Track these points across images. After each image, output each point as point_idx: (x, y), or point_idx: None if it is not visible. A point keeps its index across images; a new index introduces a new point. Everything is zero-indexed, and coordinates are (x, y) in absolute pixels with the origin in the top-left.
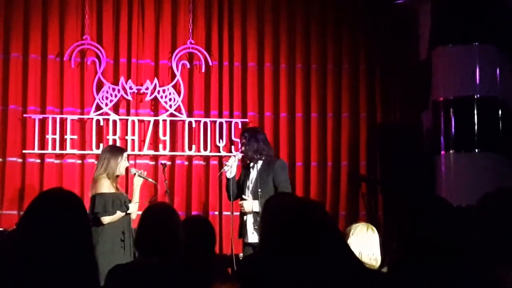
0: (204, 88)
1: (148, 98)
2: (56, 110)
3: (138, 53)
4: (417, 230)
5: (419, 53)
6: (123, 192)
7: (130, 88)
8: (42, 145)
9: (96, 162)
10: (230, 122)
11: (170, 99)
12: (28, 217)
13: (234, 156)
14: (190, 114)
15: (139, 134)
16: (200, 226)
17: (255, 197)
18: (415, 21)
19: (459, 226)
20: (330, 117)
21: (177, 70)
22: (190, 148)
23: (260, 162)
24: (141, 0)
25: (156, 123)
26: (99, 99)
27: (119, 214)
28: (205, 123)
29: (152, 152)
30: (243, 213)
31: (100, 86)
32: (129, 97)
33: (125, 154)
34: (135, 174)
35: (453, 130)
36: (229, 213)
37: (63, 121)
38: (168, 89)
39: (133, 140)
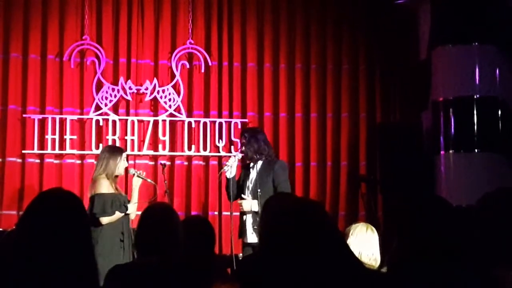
0: (203, 88)
1: (147, 98)
2: (56, 110)
3: (138, 53)
4: (417, 230)
5: (419, 53)
6: (122, 192)
7: (130, 88)
8: (42, 145)
9: (95, 162)
10: (230, 122)
11: (169, 99)
12: (27, 217)
13: (234, 156)
14: (189, 114)
15: (138, 134)
16: (199, 226)
17: (254, 197)
18: (415, 21)
19: (459, 226)
20: (329, 117)
21: (177, 70)
22: (189, 148)
23: (260, 162)
24: (140, 0)
25: (156, 123)
26: (98, 99)
27: (118, 214)
28: (205, 123)
29: (151, 152)
30: (242, 213)
31: (99, 86)
32: (129, 97)
33: (124, 154)
34: (134, 174)
35: (452, 130)
36: (228, 213)
37: (62, 121)
38: (167, 89)
39: (132, 140)
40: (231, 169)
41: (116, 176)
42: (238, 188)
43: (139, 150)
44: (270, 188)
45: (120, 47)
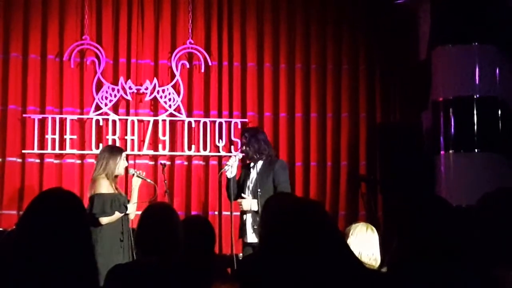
0: (203, 88)
1: (147, 98)
2: (56, 110)
3: (138, 53)
4: (417, 230)
5: (419, 53)
6: (122, 192)
7: (130, 88)
8: (42, 145)
9: (95, 162)
10: (230, 122)
11: (169, 99)
12: (27, 217)
13: (235, 156)
14: (189, 114)
15: (138, 134)
16: (199, 226)
17: (254, 197)
18: (415, 21)
19: (459, 226)
20: (329, 117)
21: (177, 70)
22: (189, 148)
23: (260, 162)
24: (140, 0)
25: (156, 123)
26: (98, 99)
27: (117, 215)
28: (205, 123)
29: (151, 152)
30: (243, 213)
31: (99, 86)
32: (129, 97)
33: (123, 154)
34: (133, 174)
35: (452, 130)
36: (228, 213)
37: (62, 121)
38: (167, 89)
39: (132, 140)
40: (231, 169)
41: (116, 176)
42: (238, 187)
43: (139, 150)
44: (270, 188)
45: (120, 47)
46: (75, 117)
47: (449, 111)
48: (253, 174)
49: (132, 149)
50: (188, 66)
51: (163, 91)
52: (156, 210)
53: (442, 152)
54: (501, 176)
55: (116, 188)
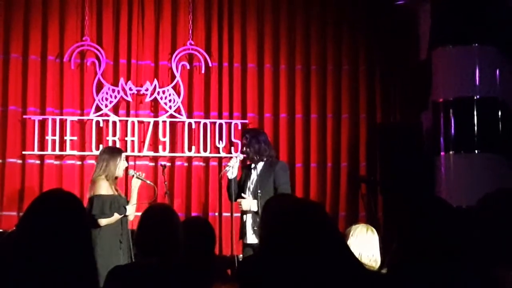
0: (204, 89)
1: (148, 99)
2: (56, 111)
3: (138, 54)
4: (417, 231)
5: (419, 53)
6: (122, 194)
7: (130, 89)
8: (42, 146)
9: (95, 163)
10: (230, 123)
11: (170, 100)
12: (28, 218)
13: (236, 157)
14: (190, 115)
15: (138, 135)
16: (200, 227)
17: (255, 198)
18: (415, 22)
19: (459, 227)
20: (330, 118)
21: (177, 71)
22: (190, 149)
23: (261, 163)
24: (141, 1)
25: (156, 124)
26: (98, 100)
27: (116, 216)
28: (205, 124)
29: (152, 153)
30: (243, 213)
31: (100, 87)
32: (129, 98)
33: (123, 155)
34: (133, 175)
35: (453, 131)
36: (229, 214)
37: (62, 122)
38: (168, 90)
39: (132, 141)
40: (232, 170)
41: (116, 178)
42: (239, 188)
43: (139, 151)
44: (270, 189)
45: (121, 48)
46: (76, 118)
47: (449, 112)
48: (254, 175)
49: (132, 150)
50: (188, 67)
51: (164, 92)
52: (156, 211)
53: (442, 153)
54: (501, 176)
55: (116, 190)
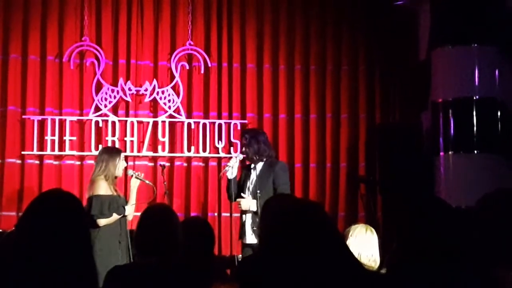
0: (203, 89)
1: (147, 99)
2: (55, 111)
3: (137, 54)
4: (416, 231)
5: (419, 54)
6: (121, 194)
7: (129, 89)
8: (41, 147)
9: (94, 163)
10: (229, 123)
11: (169, 100)
12: (27, 218)
13: (235, 157)
14: (189, 115)
15: (138, 136)
16: (199, 227)
17: (254, 198)
18: (414, 22)
19: (459, 227)
20: (329, 118)
21: (176, 71)
22: (189, 149)
23: (260, 164)
24: (140, 2)
25: (155, 124)
26: (98, 100)
27: (115, 216)
28: (204, 124)
29: (151, 154)
30: (242, 213)
31: (99, 87)
32: (128, 98)
33: (122, 155)
34: (132, 176)
35: (452, 131)
36: (228, 214)
37: (62, 122)
38: (167, 90)
39: (132, 141)
40: (232, 170)
41: (115, 178)
42: (238, 188)
43: (139, 151)
44: (270, 189)
45: (120, 48)
46: (75, 118)
47: (448, 112)
48: (253, 176)
49: (132, 151)
50: (187, 67)
51: (163, 92)
52: (155, 211)
53: (441, 153)
54: (501, 177)
55: (115, 190)
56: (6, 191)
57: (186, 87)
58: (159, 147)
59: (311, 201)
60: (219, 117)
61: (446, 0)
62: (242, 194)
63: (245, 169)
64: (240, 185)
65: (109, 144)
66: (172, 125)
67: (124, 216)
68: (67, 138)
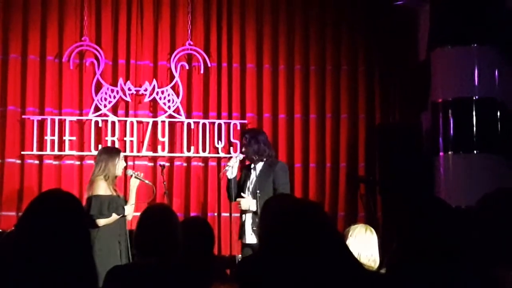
0: (203, 90)
1: (146, 99)
2: (55, 111)
3: (137, 54)
4: (416, 231)
5: (418, 54)
6: (120, 194)
7: (129, 89)
8: (41, 147)
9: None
10: (229, 123)
11: (168, 100)
12: (27, 218)
13: (236, 157)
14: (188, 115)
15: (137, 136)
16: (198, 227)
17: (254, 198)
18: (414, 22)
19: (458, 227)
20: (329, 118)
21: (176, 71)
22: (188, 149)
23: (261, 164)
24: (140, 2)
25: (155, 124)
26: (97, 100)
27: (114, 216)
28: (204, 124)
29: (150, 154)
30: (242, 213)
31: (98, 87)
32: (128, 98)
33: (121, 155)
34: (131, 175)
35: (452, 131)
36: (227, 214)
37: (61, 122)
38: (166, 90)
39: (131, 141)
40: (232, 170)
41: (115, 177)
42: (238, 188)
43: (138, 151)
44: (270, 189)
45: (119, 48)
46: (74, 118)
47: (448, 112)
48: (253, 175)
49: (131, 151)
50: (187, 67)
51: (162, 92)
52: (155, 211)
53: (441, 153)
54: (500, 177)
55: (115, 190)
56: (5, 191)
57: (186, 87)
58: (159, 147)
59: (311, 201)
60: (219, 117)
61: (446, 0)
62: (242, 194)
63: (245, 169)
64: (240, 185)
65: (109, 144)
66: (171, 125)
67: (124, 216)
68: (66, 138)
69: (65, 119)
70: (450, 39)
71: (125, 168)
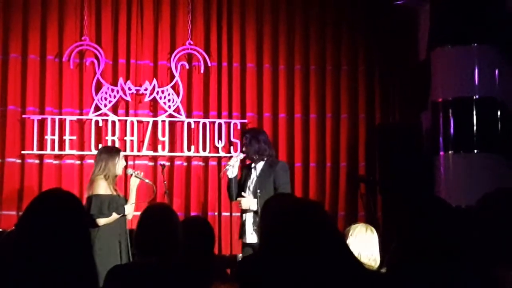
0: (203, 89)
1: (147, 99)
2: (55, 111)
3: (137, 53)
4: (416, 230)
5: (418, 54)
6: (121, 193)
7: (129, 89)
8: (41, 146)
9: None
10: (229, 123)
11: (169, 100)
12: (27, 217)
13: (236, 156)
14: (189, 115)
15: (138, 135)
16: (199, 226)
17: (255, 197)
18: (414, 22)
19: (459, 227)
20: (329, 118)
21: (176, 71)
22: (189, 149)
23: (261, 163)
24: (140, 1)
25: (155, 124)
26: (98, 100)
27: (114, 216)
28: (204, 124)
29: (151, 153)
30: (243, 213)
31: (99, 87)
32: (128, 98)
33: (121, 154)
34: (131, 175)
35: (452, 130)
36: (228, 213)
37: (62, 122)
38: (167, 89)
39: (132, 141)
40: (232, 169)
41: (115, 177)
42: (239, 187)
43: (139, 150)
44: (270, 189)
45: (120, 48)
46: (75, 117)
47: (448, 112)
48: (254, 175)
49: (132, 150)
50: (187, 67)
51: (163, 91)
52: (155, 211)
53: (441, 153)
54: (500, 176)
55: (115, 189)
56: (6, 191)
57: (186, 86)
58: (159, 147)
59: (311, 201)
60: (219, 116)
61: (446, 0)
62: (242, 194)
63: (245, 168)
64: (240, 184)
65: (109, 144)
66: (172, 124)
67: (124, 215)
68: (67, 137)
69: (65, 119)
70: (450, 38)
71: (125, 167)
